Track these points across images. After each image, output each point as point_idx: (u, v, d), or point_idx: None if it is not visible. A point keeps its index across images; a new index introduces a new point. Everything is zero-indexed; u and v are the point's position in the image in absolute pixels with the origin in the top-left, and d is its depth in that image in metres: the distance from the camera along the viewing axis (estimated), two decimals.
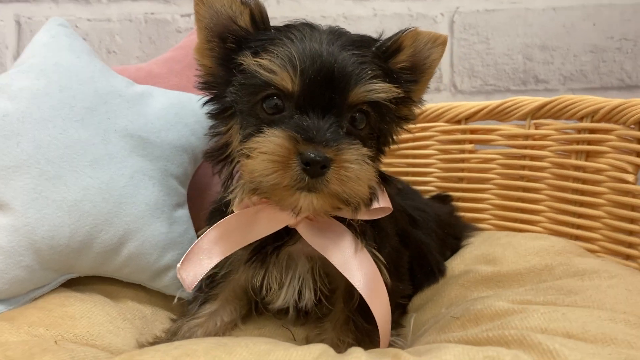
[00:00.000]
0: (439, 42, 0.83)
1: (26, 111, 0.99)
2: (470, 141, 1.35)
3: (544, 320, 0.73)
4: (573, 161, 1.18)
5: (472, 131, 1.35)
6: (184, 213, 1.09)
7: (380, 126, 0.80)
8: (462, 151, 1.36)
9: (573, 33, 1.41)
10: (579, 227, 1.18)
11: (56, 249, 0.95)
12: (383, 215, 0.86)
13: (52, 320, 0.90)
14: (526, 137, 1.27)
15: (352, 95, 0.74)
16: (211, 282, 0.96)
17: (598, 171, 1.13)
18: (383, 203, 0.84)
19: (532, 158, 1.26)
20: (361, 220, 0.83)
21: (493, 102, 1.30)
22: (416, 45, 0.83)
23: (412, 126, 0.90)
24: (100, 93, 1.06)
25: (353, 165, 0.70)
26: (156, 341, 0.94)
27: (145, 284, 1.05)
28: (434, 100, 1.45)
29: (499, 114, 1.29)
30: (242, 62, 0.75)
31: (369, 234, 0.85)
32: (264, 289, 0.90)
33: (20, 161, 0.95)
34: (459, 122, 1.35)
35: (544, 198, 1.24)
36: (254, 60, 0.74)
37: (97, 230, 0.97)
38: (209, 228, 0.91)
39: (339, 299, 0.90)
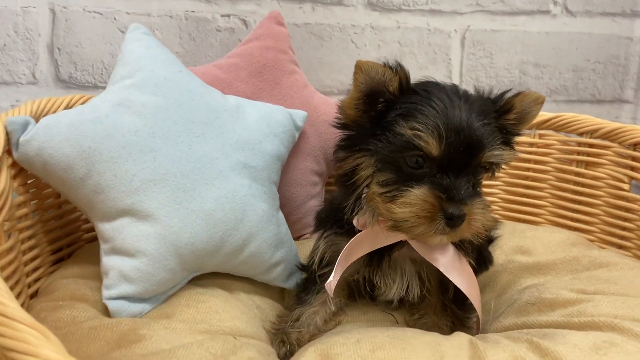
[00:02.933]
0: (539, 102, 1.01)
1: (155, 127, 1.08)
2: None
3: (612, 307, 1.00)
4: (574, 168, 1.48)
5: None
6: (282, 215, 1.25)
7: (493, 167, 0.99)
8: None
9: (560, 54, 1.70)
10: (577, 221, 1.49)
11: (195, 253, 1.07)
12: None
13: (204, 316, 1.03)
14: (531, 144, 1.55)
15: (482, 159, 0.92)
16: (322, 276, 1.14)
17: (596, 178, 1.44)
18: None
19: (537, 162, 1.55)
20: None
21: None
22: (523, 104, 1.00)
23: None
24: (210, 108, 1.17)
25: (480, 216, 0.91)
26: (279, 327, 1.11)
27: (256, 278, 1.20)
28: None
29: None
30: (397, 126, 0.91)
31: (466, 245, 1.07)
32: (380, 285, 1.10)
33: (160, 175, 1.06)
34: None
35: (546, 196, 1.54)
36: (408, 127, 0.89)
37: (227, 235, 1.10)
38: (324, 232, 1.11)
39: (435, 291, 1.12)
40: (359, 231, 1.02)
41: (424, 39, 1.67)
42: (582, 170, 1.47)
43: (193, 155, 1.10)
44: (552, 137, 1.52)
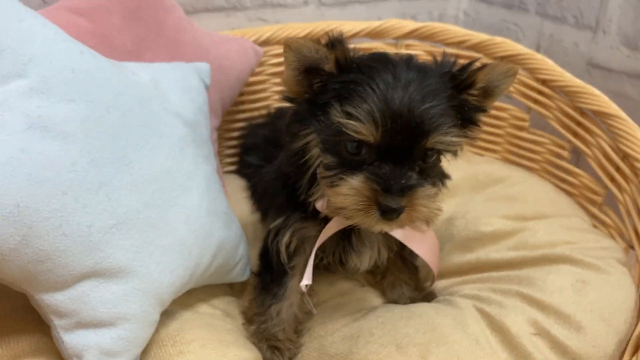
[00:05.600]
0: (511, 74, 0.90)
1: (92, 151, 0.79)
2: None
3: (546, 234, 1.16)
4: None
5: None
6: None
7: (446, 153, 0.93)
8: None
9: None
10: None
11: (175, 292, 0.89)
12: None
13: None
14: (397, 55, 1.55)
15: (427, 144, 0.84)
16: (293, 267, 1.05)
17: None
18: None
19: None
20: None
21: (373, 22, 1.50)
22: (489, 77, 0.89)
23: None
24: (140, 100, 0.89)
25: (423, 207, 0.86)
26: (260, 330, 1.02)
27: (216, 283, 1.04)
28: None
29: (377, 34, 1.51)
30: (331, 110, 0.82)
31: None
32: (352, 259, 1.07)
33: (121, 216, 0.81)
34: None
35: None
36: (342, 112, 0.81)
37: (200, 257, 0.93)
38: (286, 219, 1.00)
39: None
40: (325, 216, 0.94)
41: None
42: None
43: (147, 177, 0.85)
44: (418, 47, 1.54)
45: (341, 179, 0.82)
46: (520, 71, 1.39)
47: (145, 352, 0.88)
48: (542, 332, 0.95)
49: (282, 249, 1.00)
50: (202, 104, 1.03)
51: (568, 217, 1.24)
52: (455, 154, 0.94)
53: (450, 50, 1.50)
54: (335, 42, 0.83)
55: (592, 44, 1.52)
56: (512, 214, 1.24)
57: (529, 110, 1.45)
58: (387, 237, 1.05)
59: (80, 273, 0.77)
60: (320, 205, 0.93)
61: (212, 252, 0.94)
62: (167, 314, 0.93)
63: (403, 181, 0.82)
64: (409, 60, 0.88)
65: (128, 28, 1.07)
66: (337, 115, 0.80)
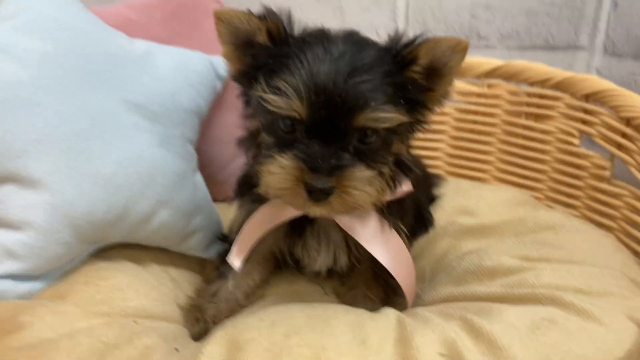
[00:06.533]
0: (459, 49, 0.82)
1: (41, 78, 0.93)
2: None
3: (554, 277, 0.91)
4: (523, 121, 1.38)
5: None
6: (200, 177, 1.12)
7: (393, 136, 0.84)
8: None
9: None
10: (525, 177, 1.40)
11: (94, 224, 0.94)
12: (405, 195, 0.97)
13: (105, 295, 0.91)
14: (479, 95, 1.44)
15: (356, 122, 0.78)
16: None
17: (545, 132, 1.34)
18: (405, 187, 0.94)
19: (484, 114, 1.44)
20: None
21: None
22: (434, 53, 0.82)
23: None
24: (112, 55, 1.01)
25: (354, 190, 0.78)
26: (195, 303, 1.00)
27: (170, 248, 1.08)
28: None
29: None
30: (259, 85, 0.79)
31: (394, 212, 0.95)
32: (303, 256, 0.99)
33: (48, 134, 0.91)
34: None
35: (493, 150, 1.44)
36: (268, 87, 0.78)
37: (131, 202, 0.97)
38: (241, 201, 1.00)
39: (366, 259, 1.02)
40: None
41: None
42: (531, 123, 1.37)
43: (89, 111, 0.95)
44: (501, 87, 1.41)
45: (272, 157, 0.80)
46: (603, 110, 1.20)
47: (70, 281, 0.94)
48: (453, 356, 0.75)
49: (234, 229, 1.00)
50: (197, 85, 1.12)
51: (606, 268, 0.97)
52: (403, 132, 0.86)
53: (533, 89, 1.35)
54: (269, 14, 0.83)
55: None
56: (532, 255, 1.02)
57: (611, 157, 1.20)
58: (347, 238, 0.97)
59: (4, 175, 0.89)
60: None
61: (149, 204, 0.99)
62: (111, 260, 1.00)
63: (333, 160, 0.77)
64: (349, 35, 0.86)
65: (166, 22, 1.24)
66: (261, 90, 0.79)
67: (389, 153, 0.86)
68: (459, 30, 1.60)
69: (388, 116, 0.79)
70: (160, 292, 0.99)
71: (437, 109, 0.90)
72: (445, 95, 0.89)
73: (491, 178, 1.45)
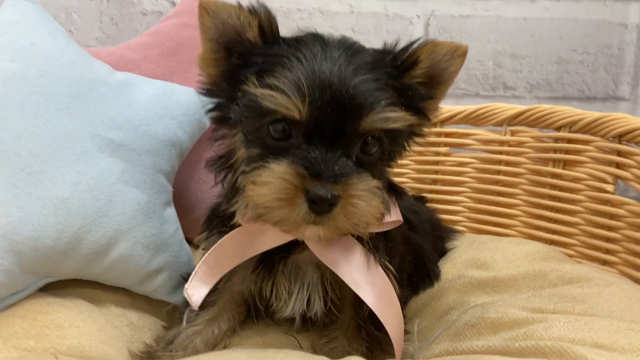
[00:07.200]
0: (459, 54, 0.78)
1: (2, 96, 0.89)
2: (445, 144, 1.38)
3: (568, 330, 0.75)
4: (550, 169, 1.23)
5: (447, 134, 1.38)
6: (172, 212, 1.03)
7: (392, 148, 0.77)
8: (437, 154, 1.38)
9: (541, 43, 1.47)
10: (554, 232, 1.23)
11: (40, 251, 0.86)
12: (393, 227, 0.85)
13: (39, 330, 0.82)
14: (502, 143, 1.31)
15: (364, 124, 0.69)
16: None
17: (576, 180, 1.18)
18: (394, 216, 0.83)
19: (508, 164, 1.30)
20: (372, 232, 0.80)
21: (469, 107, 1.32)
22: (434, 57, 0.77)
23: None
24: (84, 80, 0.97)
25: (361, 201, 0.68)
26: (149, 350, 0.88)
27: (131, 288, 0.97)
28: None
29: (475, 119, 1.32)
30: (249, 85, 0.70)
31: (381, 247, 0.83)
32: (272, 298, 0.86)
33: None
34: (434, 124, 1.36)
35: (519, 203, 1.29)
36: (259, 87, 0.69)
37: (85, 230, 0.89)
38: (208, 234, 0.89)
39: (348, 307, 0.88)
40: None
41: (381, 25, 1.46)
42: (559, 170, 1.22)
43: (49, 132, 0.89)
44: (525, 133, 1.28)
45: (263, 167, 0.69)
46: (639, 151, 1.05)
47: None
48: None
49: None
50: (179, 117, 1.05)
51: (637, 324, 0.78)
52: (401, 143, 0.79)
53: (561, 134, 1.21)
54: (260, 8, 0.75)
55: None
56: (546, 308, 0.85)
57: None
58: (324, 279, 0.85)
59: None
60: (240, 216, 0.81)
61: (105, 233, 0.90)
62: (61, 296, 0.91)
63: (336, 167, 0.67)
64: (343, 39, 0.78)
65: (162, 61, 1.21)
66: (255, 88, 0.69)
67: (387, 166, 0.79)
68: (482, 80, 1.49)
69: (398, 115, 0.70)
70: (110, 334, 0.88)
71: (433, 118, 0.83)
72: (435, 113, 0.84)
73: (517, 234, 1.28)
